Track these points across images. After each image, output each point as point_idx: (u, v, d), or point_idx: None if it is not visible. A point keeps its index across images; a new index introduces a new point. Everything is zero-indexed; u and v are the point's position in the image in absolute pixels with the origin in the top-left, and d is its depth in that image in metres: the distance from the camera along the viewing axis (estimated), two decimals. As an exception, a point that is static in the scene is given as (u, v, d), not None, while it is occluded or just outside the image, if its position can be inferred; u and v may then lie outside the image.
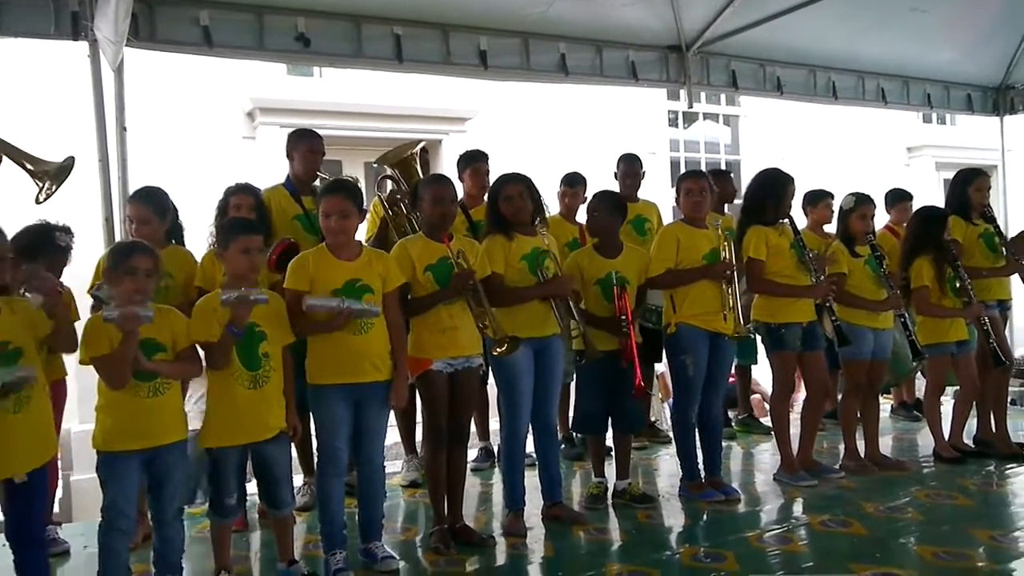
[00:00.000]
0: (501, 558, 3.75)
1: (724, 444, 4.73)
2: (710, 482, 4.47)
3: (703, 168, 9.83)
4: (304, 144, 4.49)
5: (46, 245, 3.81)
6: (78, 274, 3.93)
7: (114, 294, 3.11)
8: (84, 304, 3.87)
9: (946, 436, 5.12)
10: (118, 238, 4.58)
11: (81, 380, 3.17)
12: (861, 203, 4.90)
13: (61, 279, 3.86)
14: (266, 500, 3.45)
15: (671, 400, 7.43)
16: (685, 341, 4.35)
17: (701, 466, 4.51)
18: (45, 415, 2.92)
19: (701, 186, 4.45)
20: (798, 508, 4.36)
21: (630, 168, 5.59)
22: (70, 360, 3.47)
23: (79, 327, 3.20)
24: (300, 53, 5.40)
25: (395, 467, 4.87)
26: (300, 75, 9.37)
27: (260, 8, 5.17)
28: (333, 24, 5.45)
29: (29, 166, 2.36)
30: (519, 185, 3.98)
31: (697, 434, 4.49)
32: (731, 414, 6.03)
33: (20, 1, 4.61)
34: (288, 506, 3.44)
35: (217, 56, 5.27)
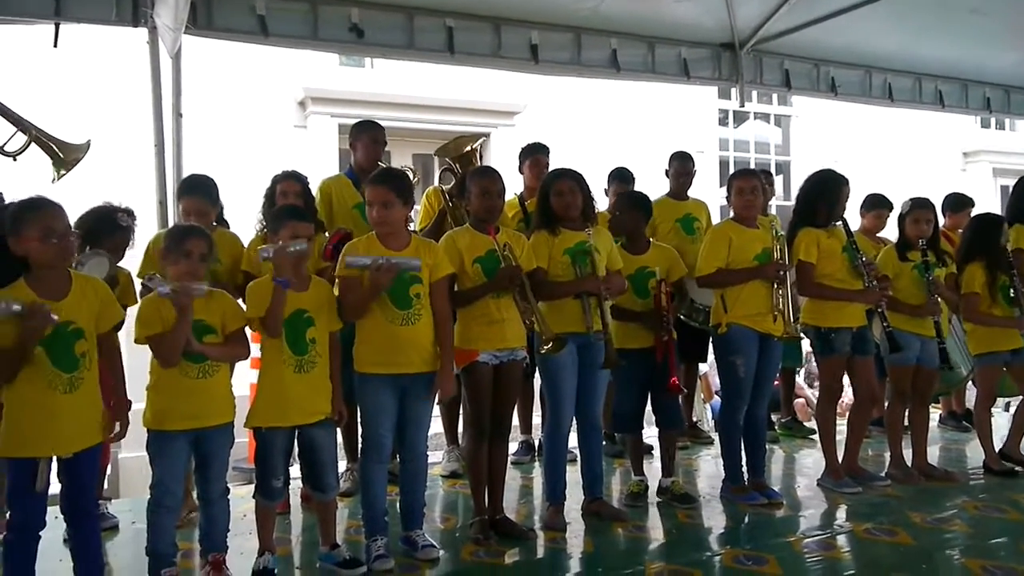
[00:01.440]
0: (540, 551, 3.75)
1: (767, 447, 4.67)
2: (753, 484, 4.42)
3: (752, 167, 9.73)
4: (366, 135, 4.57)
5: (109, 227, 3.89)
6: (133, 256, 4.02)
7: (169, 274, 3.17)
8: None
9: (997, 448, 5.01)
10: (171, 221, 4.67)
11: (131, 359, 3.23)
12: (916, 207, 4.81)
13: (122, 261, 3.96)
14: (311, 484, 3.48)
15: (713, 401, 7.45)
16: (736, 342, 4.30)
17: (744, 468, 4.46)
18: (96, 396, 2.97)
19: (753, 185, 4.40)
20: (841, 514, 4.29)
21: (682, 166, 5.55)
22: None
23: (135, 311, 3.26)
24: (353, 44, 5.46)
25: (436, 457, 4.89)
26: (351, 66, 9.45)
27: (316, -2, 5.23)
28: (386, 16, 5.49)
29: (54, 147, 2.40)
30: (570, 181, 3.97)
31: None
32: (774, 417, 5.96)
33: (82, -13, 4.72)
34: (333, 491, 3.48)
35: (272, 45, 5.34)
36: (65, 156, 2.23)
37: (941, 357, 4.74)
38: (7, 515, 2.90)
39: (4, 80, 5.61)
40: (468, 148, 4.67)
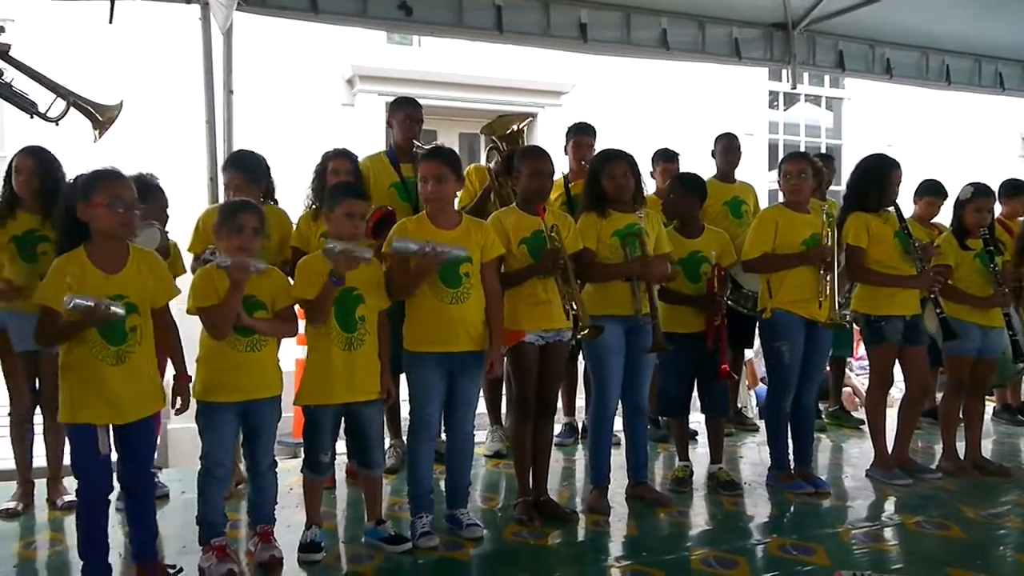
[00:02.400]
0: (583, 534, 3.74)
1: (814, 436, 4.60)
2: (799, 473, 4.36)
3: (802, 151, 9.56)
4: (402, 111, 4.53)
5: (149, 192, 3.91)
6: (184, 230, 4.06)
7: (222, 249, 3.19)
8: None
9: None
10: (222, 197, 4.71)
11: (180, 330, 3.27)
12: (978, 195, 4.66)
13: (167, 227, 4.00)
14: (357, 460, 3.51)
15: (758, 387, 7.36)
16: (781, 327, 4.24)
17: (791, 457, 4.40)
18: (149, 369, 3.01)
19: (800, 168, 4.31)
20: (890, 506, 4.21)
21: (728, 148, 5.46)
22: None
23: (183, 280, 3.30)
24: (402, 21, 5.41)
25: (479, 437, 4.89)
26: (399, 44, 9.44)
27: (366, -24, 5.22)
28: (436, -7, 5.45)
29: (91, 109, 2.42)
30: (623, 164, 3.92)
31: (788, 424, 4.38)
32: (821, 406, 5.87)
33: (137, -36, 4.77)
34: (379, 467, 3.51)
35: (322, 22, 5.32)
36: (102, 116, 2.27)
37: (1015, 351, 4.62)
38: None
39: (59, 56, 5.68)
40: (514, 128, 4.64)
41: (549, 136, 8.62)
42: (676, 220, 4.35)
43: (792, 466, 4.38)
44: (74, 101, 2.19)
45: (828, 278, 4.19)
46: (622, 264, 3.86)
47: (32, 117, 2.44)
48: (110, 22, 4.87)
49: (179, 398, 3.13)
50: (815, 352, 4.32)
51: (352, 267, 3.20)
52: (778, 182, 4.46)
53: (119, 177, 2.92)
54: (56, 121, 2.82)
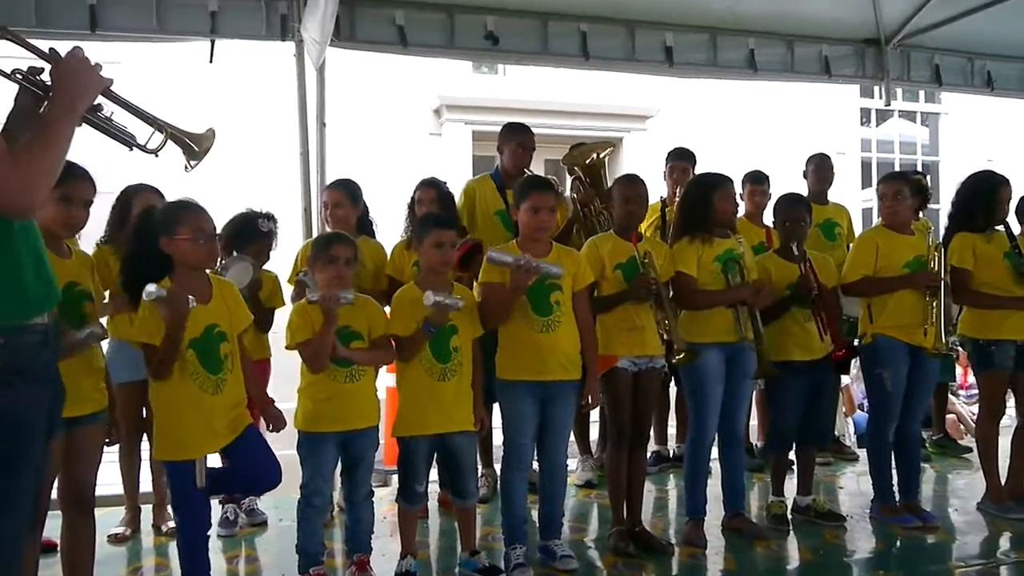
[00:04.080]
0: (679, 567, 3.66)
1: (920, 467, 4.40)
2: (905, 506, 4.18)
3: (897, 169, 9.27)
4: (515, 139, 4.53)
5: (251, 232, 4.03)
6: (280, 261, 4.16)
7: (317, 280, 3.27)
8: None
9: None
10: (315, 227, 4.83)
11: (280, 360, 3.35)
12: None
13: (266, 265, 4.11)
14: (451, 490, 3.53)
15: (855, 415, 7.11)
16: (882, 354, 4.09)
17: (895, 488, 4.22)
18: (240, 396, 3.06)
19: (896, 189, 4.17)
20: (1005, 543, 4.01)
21: (820, 168, 5.33)
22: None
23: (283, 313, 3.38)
24: (489, 51, 5.49)
25: (570, 466, 4.85)
26: (485, 73, 9.56)
27: (452, 7, 5.30)
28: (521, 22, 5.50)
29: (187, 140, 2.48)
30: (730, 188, 3.89)
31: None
32: (925, 434, 5.62)
33: (235, 6, 4.94)
34: (473, 496, 3.51)
35: (411, 55, 5.43)
36: (198, 147, 2.35)
37: None
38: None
39: (161, 95, 5.94)
40: (594, 156, 4.61)
41: (635, 161, 8.58)
42: (787, 243, 4.16)
43: (897, 498, 4.20)
44: (171, 133, 2.29)
45: (934, 304, 4.02)
46: (732, 290, 3.78)
47: (132, 149, 2.56)
48: (210, 62, 5.07)
49: (273, 420, 3.20)
50: (920, 380, 4.15)
51: (445, 319, 3.23)
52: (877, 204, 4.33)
53: (199, 208, 3.00)
54: (156, 152, 2.93)
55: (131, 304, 2.95)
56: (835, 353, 4.03)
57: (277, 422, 3.22)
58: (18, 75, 2.09)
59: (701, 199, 3.87)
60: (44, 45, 2.15)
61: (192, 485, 2.90)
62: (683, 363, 3.64)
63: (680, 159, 5.02)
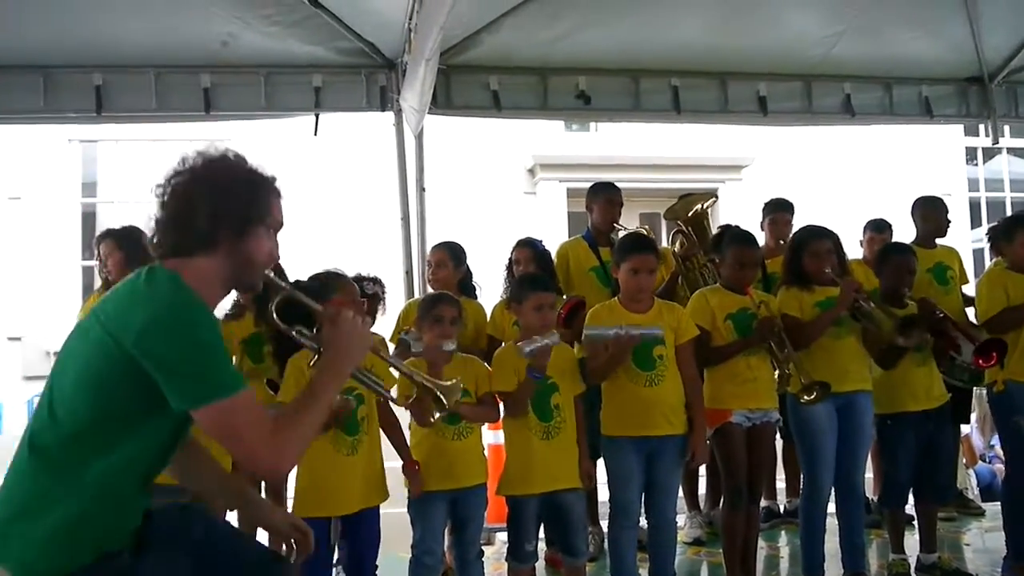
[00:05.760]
0: (801, 628, 3.52)
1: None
2: (1042, 565, 3.93)
3: (1008, 207, 8.90)
4: (603, 196, 4.61)
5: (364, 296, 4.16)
6: (384, 322, 4.28)
7: (422, 339, 3.35)
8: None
9: None
10: (417, 289, 4.95)
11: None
12: None
13: (373, 327, 4.22)
14: (561, 547, 3.50)
15: (977, 466, 6.73)
16: (1017, 400, 3.90)
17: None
18: (374, 458, 3.18)
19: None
20: None
21: (931, 211, 5.16)
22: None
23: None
24: (581, 110, 5.58)
25: (678, 522, 4.75)
26: (577, 131, 9.70)
27: (544, 70, 5.43)
28: (612, 80, 5.57)
29: (437, 391, 2.56)
30: (828, 241, 3.83)
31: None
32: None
33: (337, 81, 5.20)
34: (583, 554, 3.49)
35: (505, 118, 5.59)
36: (447, 398, 2.42)
37: None
38: None
39: (268, 167, 6.26)
40: (697, 208, 4.60)
41: (731, 211, 8.50)
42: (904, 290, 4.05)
43: (1031, 556, 3.96)
44: (420, 382, 2.43)
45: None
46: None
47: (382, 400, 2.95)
48: (315, 134, 5.32)
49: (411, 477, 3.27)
50: (1061, 427, 3.92)
51: (547, 359, 3.26)
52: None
53: (348, 279, 3.21)
54: (404, 406, 3.18)
55: None
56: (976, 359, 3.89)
57: (414, 486, 3.26)
58: (302, 335, 2.08)
59: (795, 252, 3.86)
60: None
61: (324, 541, 2.98)
62: (815, 401, 3.57)
63: (780, 210, 4.93)
